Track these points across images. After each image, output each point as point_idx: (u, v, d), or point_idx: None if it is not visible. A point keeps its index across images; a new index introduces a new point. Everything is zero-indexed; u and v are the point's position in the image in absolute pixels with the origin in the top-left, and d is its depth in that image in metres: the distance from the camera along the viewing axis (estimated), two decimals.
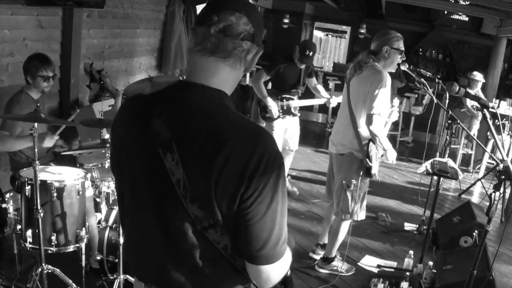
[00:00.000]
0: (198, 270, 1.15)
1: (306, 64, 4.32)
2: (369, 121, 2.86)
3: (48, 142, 2.87)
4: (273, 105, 4.31)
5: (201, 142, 1.05)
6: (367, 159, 2.94)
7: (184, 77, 1.22)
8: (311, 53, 4.17)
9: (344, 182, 3.05)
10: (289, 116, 4.49)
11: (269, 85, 4.58)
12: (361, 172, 3.01)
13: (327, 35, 11.58)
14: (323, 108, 8.60)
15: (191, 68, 1.14)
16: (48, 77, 3.00)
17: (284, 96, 4.42)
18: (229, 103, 1.13)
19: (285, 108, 4.43)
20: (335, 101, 4.38)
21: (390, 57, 2.92)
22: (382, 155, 3.07)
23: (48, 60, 3.03)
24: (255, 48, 1.14)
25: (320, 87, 4.65)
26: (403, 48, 2.95)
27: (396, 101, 3.20)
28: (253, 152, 1.03)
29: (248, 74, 7.91)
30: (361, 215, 3.14)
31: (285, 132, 4.55)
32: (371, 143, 2.92)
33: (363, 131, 2.95)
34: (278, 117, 4.42)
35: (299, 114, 4.59)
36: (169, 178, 1.07)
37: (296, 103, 4.47)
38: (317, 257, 3.47)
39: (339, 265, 3.36)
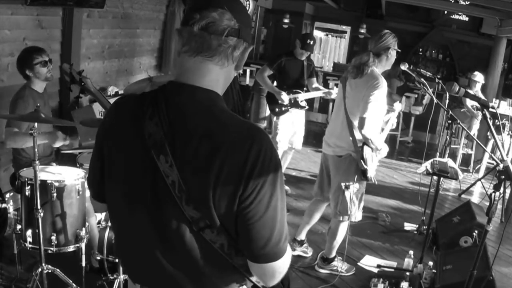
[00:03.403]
0: (195, 269, 1.14)
1: (308, 51, 4.43)
2: (361, 124, 2.88)
3: (59, 143, 2.87)
4: (282, 93, 4.41)
5: (195, 144, 1.04)
6: (362, 162, 2.95)
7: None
8: (311, 42, 4.38)
9: (342, 184, 3.06)
10: (296, 109, 4.56)
11: (274, 83, 4.65)
12: (359, 174, 3.02)
13: (327, 35, 11.58)
14: (323, 108, 8.60)
15: (180, 69, 1.12)
16: (45, 62, 2.96)
17: (290, 90, 4.50)
18: (221, 103, 1.12)
19: (292, 101, 4.51)
20: (335, 93, 4.44)
21: (392, 58, 2.98)
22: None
23: (38, 47, 3.02)
24: (243, 43, 1.11)
25: (320, 87, 4.74)
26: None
27: (398, 105, 3.20)
28: (249, 152, 1.03)
29: (248, 74, 7.92)
30: (357, 215, 3.16)
31: (292, 124, 4.61)
32: (365, 146, 2.93)
33: (358, 134, 2.96)
34: (287, 110, 4.50)
35: (307, 107, 4.65)
36: (163, 180, 1.06)
37: (302, 95, 4.56)
38: (294, 253, 3.49)
39: (339, 265, 3.36)
